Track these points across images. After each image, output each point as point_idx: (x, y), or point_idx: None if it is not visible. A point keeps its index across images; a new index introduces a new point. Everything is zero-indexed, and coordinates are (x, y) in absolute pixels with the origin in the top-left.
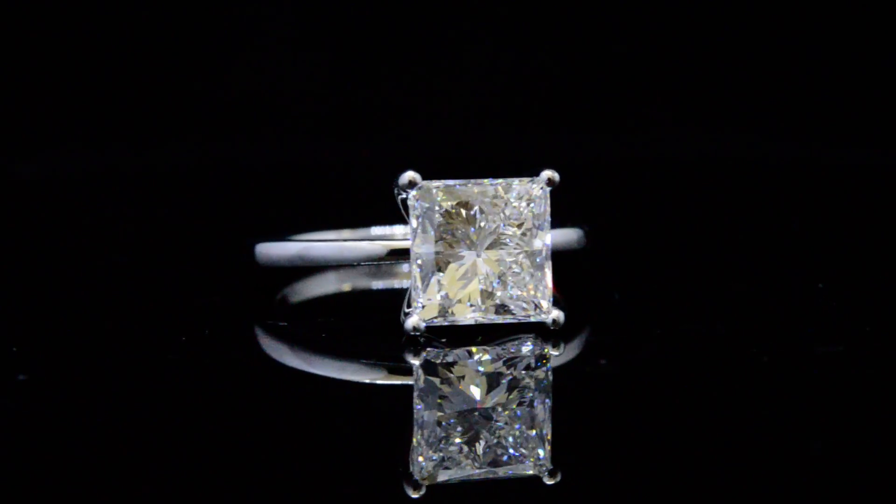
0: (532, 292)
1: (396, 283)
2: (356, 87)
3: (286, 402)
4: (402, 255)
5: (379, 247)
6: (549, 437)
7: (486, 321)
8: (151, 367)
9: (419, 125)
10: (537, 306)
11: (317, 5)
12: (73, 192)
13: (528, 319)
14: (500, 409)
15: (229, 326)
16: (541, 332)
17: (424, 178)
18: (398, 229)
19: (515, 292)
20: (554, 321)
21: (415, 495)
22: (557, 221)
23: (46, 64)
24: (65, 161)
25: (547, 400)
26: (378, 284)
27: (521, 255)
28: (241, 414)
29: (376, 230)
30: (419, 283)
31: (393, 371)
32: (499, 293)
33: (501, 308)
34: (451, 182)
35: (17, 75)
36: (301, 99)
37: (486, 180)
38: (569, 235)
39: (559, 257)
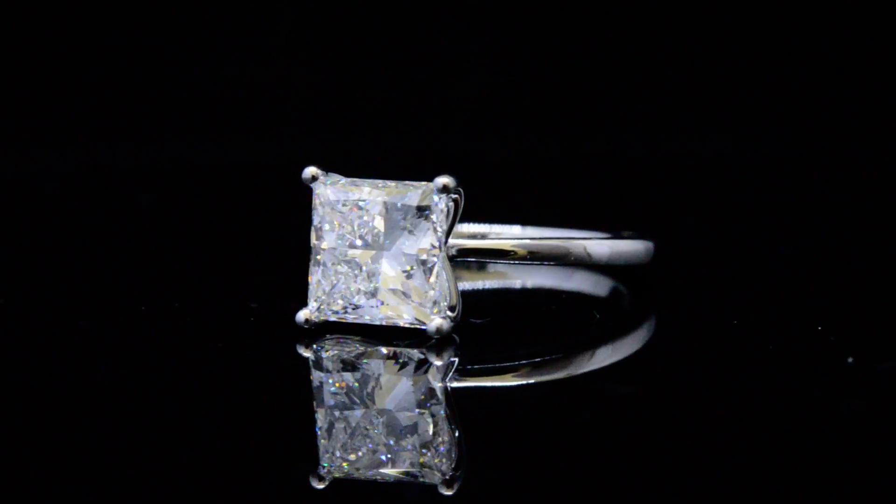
0: (423, 297)
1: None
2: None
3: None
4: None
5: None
6: (451, 445)
7: (375, 322)
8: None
9: (431, 124)
10: (426, 312)
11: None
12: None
13: (415, 325)
14: (402, 413)
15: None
16: (460, 336)
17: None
18: (496, 228)
19: (408, 296)
20: (437, 329)
21: (319, 486)
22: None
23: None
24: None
25: (449, 408)
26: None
27: (413, 259)
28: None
29: (469, 227)
30: (319, 279)
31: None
32: (391, 296)
33: (392, 311)
34: (349, 179)
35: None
36: (332, 95)
37: (383, 181)
38: (635, 247)
39: (626, 271)
